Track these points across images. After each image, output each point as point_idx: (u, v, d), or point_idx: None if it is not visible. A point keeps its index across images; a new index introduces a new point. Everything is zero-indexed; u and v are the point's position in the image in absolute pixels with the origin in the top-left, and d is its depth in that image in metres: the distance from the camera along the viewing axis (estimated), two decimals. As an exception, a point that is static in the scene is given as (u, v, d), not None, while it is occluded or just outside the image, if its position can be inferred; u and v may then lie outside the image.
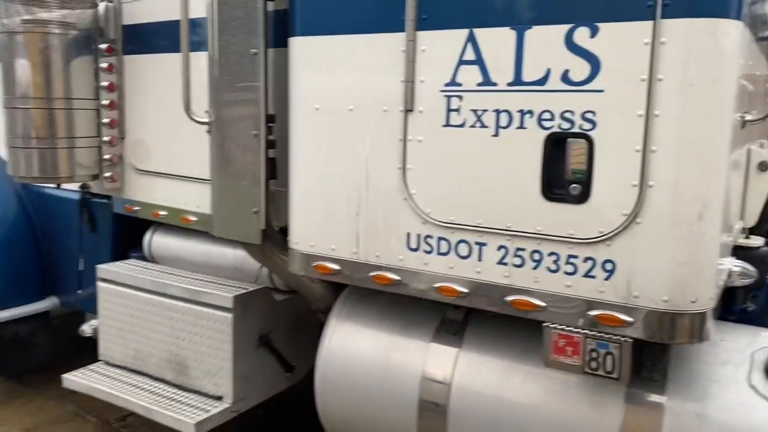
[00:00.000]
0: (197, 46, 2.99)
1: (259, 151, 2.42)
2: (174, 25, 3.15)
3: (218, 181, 2.58)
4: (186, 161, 3.20)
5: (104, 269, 3.40)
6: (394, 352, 2.41)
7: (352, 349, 2.51)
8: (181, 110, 3.15)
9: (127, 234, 3.76)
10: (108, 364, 3.39)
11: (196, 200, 3.19)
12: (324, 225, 2.34)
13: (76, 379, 3.26)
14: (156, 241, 3.58)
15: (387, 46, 2.12)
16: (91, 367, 3.37)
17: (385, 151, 2.16)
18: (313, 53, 2.29)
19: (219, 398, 2.99)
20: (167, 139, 3.29)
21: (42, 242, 4.13)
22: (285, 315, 3.24)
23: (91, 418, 3.85)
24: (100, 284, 3.41)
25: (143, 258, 3.69)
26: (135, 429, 3.75)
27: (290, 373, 3.30)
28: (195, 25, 2.97)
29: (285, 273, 2.75)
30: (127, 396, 3.07)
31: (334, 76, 2.25)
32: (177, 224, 3.32)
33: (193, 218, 3.22)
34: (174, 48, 3.19)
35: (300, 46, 2.32)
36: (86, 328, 3.91)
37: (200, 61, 2.88)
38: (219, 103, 2.50)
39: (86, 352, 4.57)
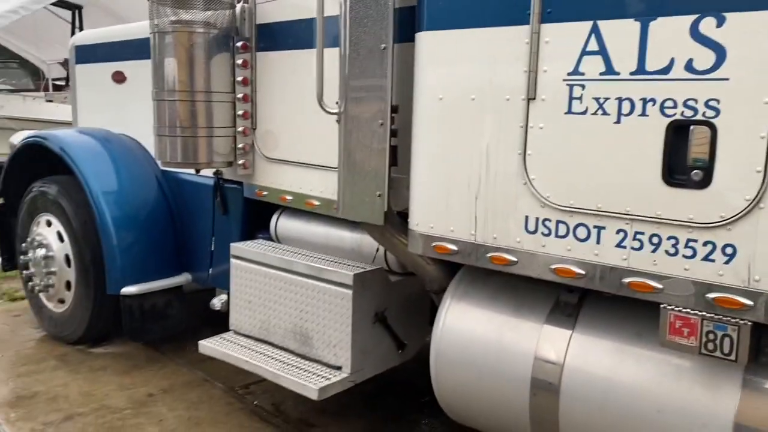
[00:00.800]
0: (326, 42, 3.25)
1: (385, 140, 2.61)
2: (303, 23, 3.45)
3: (345, 167, 2.80)
4: (311, 150, 3.46)
5: (237, 247, 3.73)
6: (507, 331, 2.54)
7: (466, 327, 2.65)
8: (307, 102, 3.43)
9: (254, 216, 4.10)
10: (237, 333, 3.72)
11: (320, 186, 3.44)
12: (443, 208, 2.50)
13: (210, 345, 3.61)
14: (281, 223, 3.87)
15: (511, 38, 2.25)
16: (223, 335, 3.71)
17: (506, 138, 2.29)
18: (439, 47, 2.45)
19: (338, 368, 3.22)
20: (294, 129, 3.57)
21: (177, 223, 4.55)
22: (398, 295, 3.44)
23: (218, 384, 4.22)
24: (233, 261, 3.74)
25: (269, 239, 4.00)
26: (257, 396, 4.08)
27: (402, 350, 3.49)
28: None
29: (402, 253, 2.94)
30: (256, 362, 3.37)
31: (458, 67, 2.40)
32: (301, 208, 3.60)
33: (316, 202, 3.48)
34: (302, 45, 3.49)
35: (427, 40, 2.49)
36: (216, 302, 4.29)
37: (329, 56, 3.14)
38: (349, 96, 2.72)
39: (211, 324, 5.01)
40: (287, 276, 3.43)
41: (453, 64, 2.41)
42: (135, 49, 4.75)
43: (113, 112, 5.04)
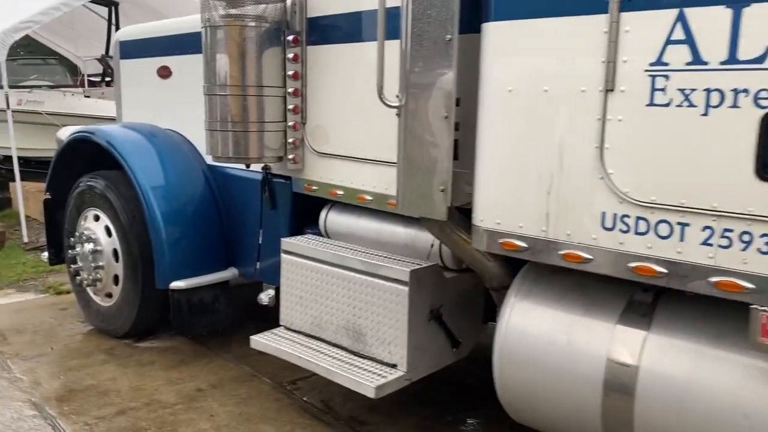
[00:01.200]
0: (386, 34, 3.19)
1: (449, 133, 2.55)
2: (358, 16, 3.40)
3: (406, 161, 2.74)
4: (364, 144, 3.42)
5: (288, 242, 3.70)
6: (577, 331, 2.46)
7: (532, 326, 2.58)
8: (361, 96, 3.40)
9: (302, 211, 4.07)
10: (288, 329, 3.69)
11: (372, 180, 3.40)
12: (512, 203, 2.43)
13: (262, 341, 3.59)
14: (331, 218, 3.84)
15: (587, 28, 2.17)
16: (274, 331, 3.69)
17: (582, 131, 2.21)
18: (508, 37, 2.38)
19: (393, 366, 3.18)
20: (346, 124, 3.53)
21: (224, 218, 4.55)
22: (453, 292, 3.38)
23: (266, 380, 4.20)
24: (284, 256, 3.71)
25: (318, 234, 3.97)
26: (305, 392, 4.05)
27: (456, 348, 3.44)
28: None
29: (462, 249, 2.88)
30: (309, 358, 3.34)
31: (530, 58, 2.33)
32: (353, 203, 3.56)
33: (368, 197, 3.44)
34: (357, 38, 3.44)
35: (494, 31, 2.42)
36: (263, 297, 4.29)
37: (388, 49, 3.09)
38: (410, 89, 2.66)
39: (253, 318, 5.00)
40: (340, 272, 3.39)
41: (524, 55, 2.34)
42: (181, 44, 4.75)
43: (158, 108, 5.06)
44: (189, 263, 4.37)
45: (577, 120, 2.22)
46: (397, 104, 2.74)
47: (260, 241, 4.30)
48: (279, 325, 3.77)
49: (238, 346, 4.71)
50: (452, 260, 3.30)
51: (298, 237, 3.80)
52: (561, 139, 2.26)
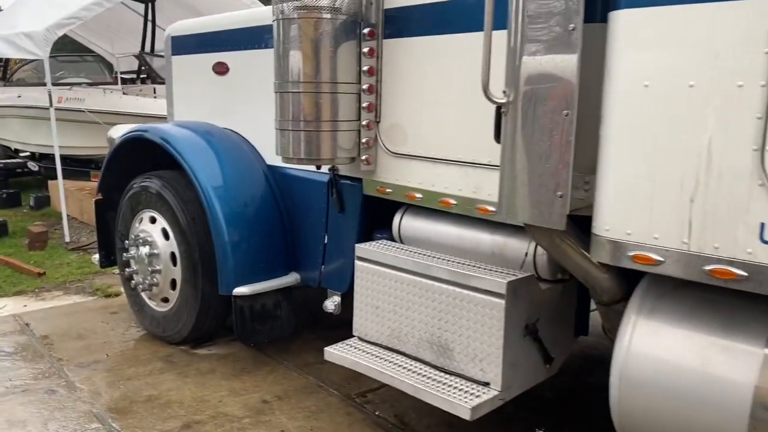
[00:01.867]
0: (478, 24, 2.96)
1: (570, 132, 2.31)
2: (445, 5, 3.16)
3: (513, 163, 2.50)
4: (449, 144, 3.19)
5: (363, 248, 3.48)
6: (715, 354, 2.21)
7: (661, 348, 2.33)
8: (446, 92, 3.17)
9: (372, 215, 3.85)
10: (363, 340, 3.48)
11: (458, 183, 3.17)
12: (646, 212, 2.18)
13: (337, 353, 3.38)
14: (406, 223, 3.61)
15: (745, 13, 1.91)
16: (348, 342, 3.48)
17: (737, 131, 1.96)
18: (645, 26, 2.12)
19: (485, 384, 2.95)
20: (427, 122, 3.30)
21: (286, 221, 4.35)
22: (547, 305, 3.14)
23: (334, 392, 4.00)
24: (358, 263, 3.50)
25: (389, 239, 3.75)
26: (376, 405, 3.84)
27: (549, 364, 3.19)
28: (477, 4, 2.93)
29: (573, 261, 2.64)
30: (392, 374, 3.12)
31: (672, 49, 2.08)
32: (434, 207, 3.33)
33: (452, 201, 3.21)
34: (437, 30, 3.21)
35: (628, 19, 2.17)
36: (329, 305, 4.08)
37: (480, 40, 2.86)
38: (522, 83, 2.42)
39: (310, 325, 4.80)
40: (423, 281, 3.17)
41: (665, 45, 2.08)
42: (239, 39, 4.56)
43: (214, 105, 4.87)
44: (252, 268, 4.18)
45: (732, 119, 1.96)
46: (503, 100, 2.50)
47: (325, 246, 4.10)
48: (352, 336, 3.56)
49: (298, 353, 4.53)
50: (548, 270, 3.05)
51: (373, 243, 3.58)
52: (710, 140, 2.01)
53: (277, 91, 3.50)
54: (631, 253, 2.22)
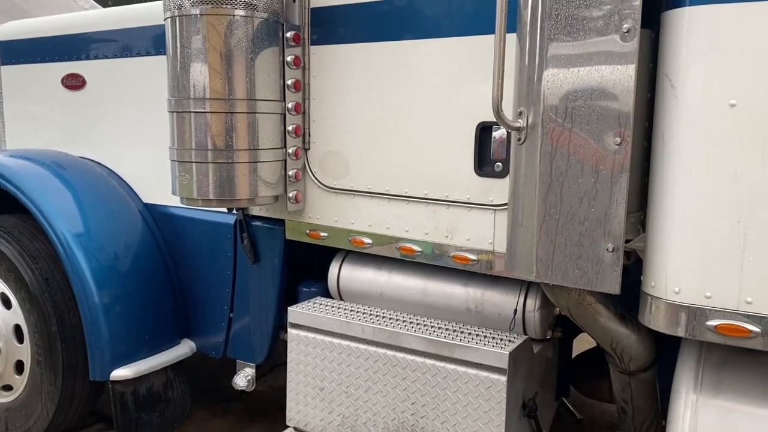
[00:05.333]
0: (453, 28, 2.36)
1: (622, 167, 1.75)
2: (388, 5, 2.52)
3: (533, 206, 1.90)
4: (409, 177, 2.55)
5: (298, 312, 2.71)
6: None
7: (735, 433, 1.84)
8: (402, 111, 2.53)
9: (295, 264, 3.09)
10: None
11: (424, 225, 2.54)
12: (733, 268, 1.67)
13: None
14: (348, 273, 2.89)
15: None
16: (283, 437, 2.69)
17: None
18: (727, 28, 1.63)
19: (481, 483, 2.31)
20: (375, 149, 2.63)
21: (174, 276, 3.43)
22: (540, 371, 2.58)
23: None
24: (293, 332, 2.72)
25: (323, 294, 3.02)
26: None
27: (540, 441, 2.63)
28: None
29: (602, 326, 2.09)
30: (358, 482, 2.39)
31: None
32: (390, 256, 2.65)
33: (417, 248, 2.57)
34: (388, 34, 2.56)
35: (701, 17, 1.66)
36: (239, 381, 3.24)
37: (469, 45, 2.27)
38: (546, 102, 1.83)
39: (210, 399, 3.91)
40: (389, 354, 2.48)
41: (759, 53, 1.60)
42: (102, 45, 3.57)
43: (65, 129, 3.81)
44: (134, 341, 3.21)
45: None
46: (519, 125, 1.90)
47: (232, 306, 3.25)
48: (284, 427, 2.77)
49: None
50: (540, 328, 2.50)
51: (309, 303, 2.82)
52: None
53: (174, 110, 2.64)
54: (716, 323, 1.71)
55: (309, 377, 2.67)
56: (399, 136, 2.55)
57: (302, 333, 2.68)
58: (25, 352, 3.33)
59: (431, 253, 2.53)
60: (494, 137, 2.34)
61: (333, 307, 2.73)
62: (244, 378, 3.23)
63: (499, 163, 2.33)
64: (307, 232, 2.87)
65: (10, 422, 3.48)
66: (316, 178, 2.81)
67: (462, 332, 2.43)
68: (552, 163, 1.85)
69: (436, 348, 2.37)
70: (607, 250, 1.79)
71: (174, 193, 2.72)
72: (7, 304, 3.35)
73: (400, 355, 2.44)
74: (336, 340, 2.59)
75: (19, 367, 3.38)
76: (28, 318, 3.28)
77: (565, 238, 1.84)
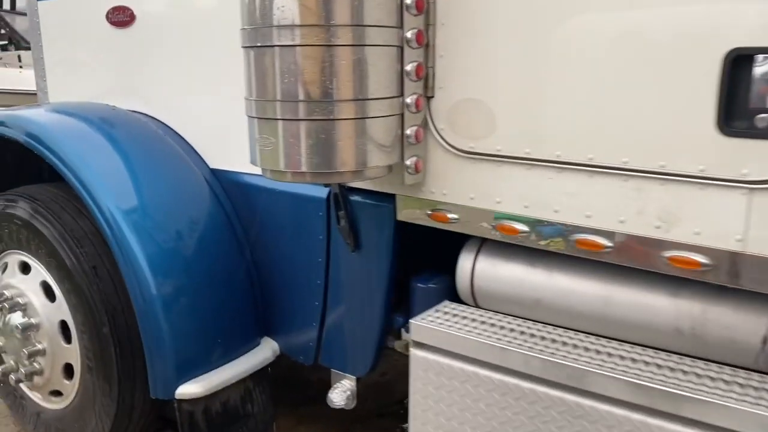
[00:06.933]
0: None
1: None
2: None
3: None
4: (599, 139, 1.70)
5: (423, 327, 1.95)
6: None
7: None
8: (598, 35, 1.67)
9: (404, 251, 2.33)
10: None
11: (619, 209, 1.71)
12: None
13: None
14: (486, 270, 2.09)
15: None
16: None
17: None
18: None
19: None
20: (546, 94, 1.78)
21: (249, 260, 2.72)
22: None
23: None
24: (417, 353, 1.96)
25: (443, 292, 2.25)
26: None
27: None
28: None
29: None
30: None
31: None
32: (561, 250, 1.84)
33: (605, 243, 1.74)
34: None
35: None
36: (337, 398, 2.54)
37: None
38: None
39: (293, 400, 3.26)
40: (568, 399, 1.69)
41: None
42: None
43: (112, 77, 3.10)
44: (204, 345, 2.54)
45: None
46: None
47: (325, 302, 2.52)
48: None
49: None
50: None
51: (435, 312, 2.05)
52: None
53: (249, 45, 1.85)
54: None
55: (441, 416, 1.93)
56: (580, 74, 1.70)
57: (431, 356, 1.92)
58: (74, 354, 2.72)
59: (630, 253, 1.71)
60: (756, 73, 1.46)
61: (474, 321, 1.95)
62: (341, 394, 2.52)
63: (765, 116, 1.46)
64: (429, 212, 2.08)
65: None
66: (444, 139, 2.00)
67: (687, 372, 1.61)
68: None
69: (649, 398, 1.57)
70: None
71: (253, 162, 1.96)
72: (51, 296, 2.73)
73: (587, 403, 1.66)
74: (483, 372, 1.82)
75: (69, 370, 2.79)
76: (75, 314, 2.65)
77: None
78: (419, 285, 2.34)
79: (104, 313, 2.56)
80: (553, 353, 1.72)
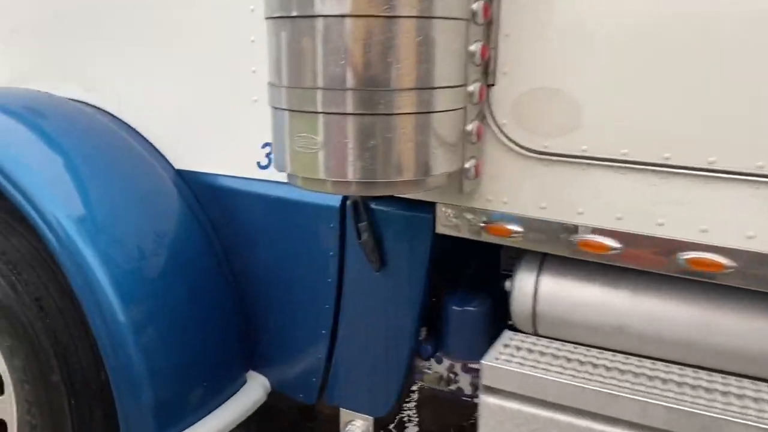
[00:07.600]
0: None
1: None
2: None
3: None
4: (718, 135, 1.41)
5: (499, 370, 1.58)
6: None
7: None
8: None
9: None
10: None
11: (747, 224, 1.43)
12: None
13: None
14: (553, 292, 1.76)
15: None
16: None
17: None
18: None
19: None
20: (649, 84, 1.46)
21: (231, 280, 2.25)
22: None
23: None
24: (488, 400, 1.60)
25: (486, 316, 1.91)
26: None
27: None
28: None
29: None
30: None
31: None
32: (665, 272, 1.54)
33: (725, 262, 1.45)
34: None
35: None
36: (352, 446, 2.13)
37: None
38: None
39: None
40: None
41: None
42: None
43: (45, 53, 2.49)
44: (188, 389, 2.05)
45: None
46: None
47: (334, 331, 2.11)
48: None
49: None
50: None
51: (508, 349, 1.69)
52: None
53: (279, 15, 1.40)
54: None
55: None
56: (696, 57, 1.39)
57: (507, 404, 1.57)
58: (7, 409, 2.14)
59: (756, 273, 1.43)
60: None
61: (556, 357, 1.61)
62: (356, 436, 2.13)
63: None
64: (483, 224, 1.72)
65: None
66: (507, 136, 1.64)
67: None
68: None
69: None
70: None
71: (279, 167, 1.52)
72: (-24, 335, 2.14)
73: (725, 461, 1.37)
74: (581, 423, 1.48)
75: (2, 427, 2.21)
76: (10, 359, 2.07)
77: None
78: (454, 308, 1.99)
79: (53, 355, 2.01)
80: (677, 399, 1.41)
